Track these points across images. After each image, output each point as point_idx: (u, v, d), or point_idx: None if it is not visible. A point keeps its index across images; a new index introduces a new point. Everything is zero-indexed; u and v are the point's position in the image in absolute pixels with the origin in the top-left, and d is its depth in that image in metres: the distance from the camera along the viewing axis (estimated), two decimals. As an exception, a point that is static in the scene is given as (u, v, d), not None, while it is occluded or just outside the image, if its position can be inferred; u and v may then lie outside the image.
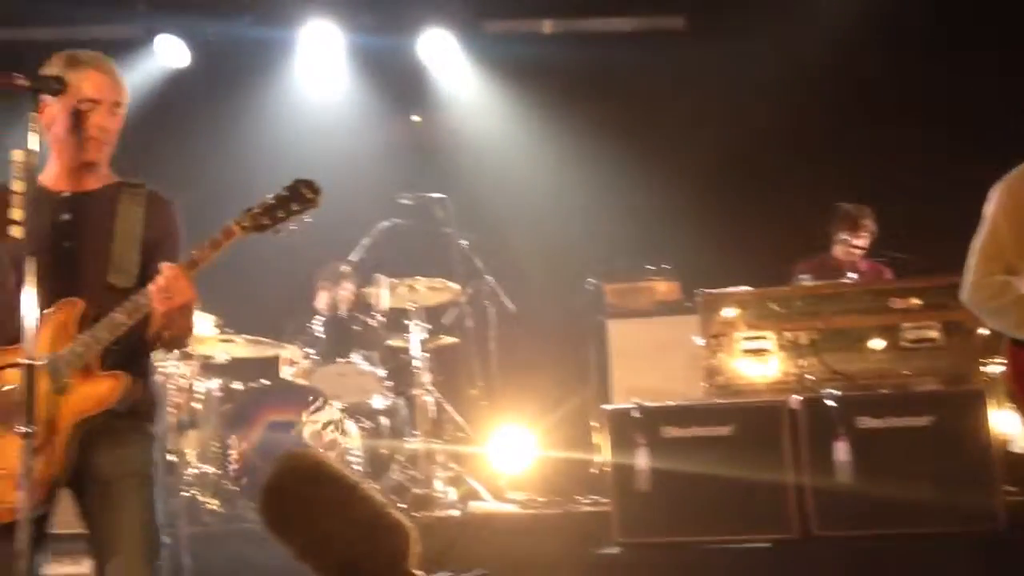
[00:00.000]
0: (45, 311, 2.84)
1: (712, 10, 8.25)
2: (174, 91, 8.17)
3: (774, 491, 4.91)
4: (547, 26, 8.72)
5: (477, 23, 8.46)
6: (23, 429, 2.61)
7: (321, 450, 5.91)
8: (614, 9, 8.52)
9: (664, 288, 6.75)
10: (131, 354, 2.98)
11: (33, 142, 2.77)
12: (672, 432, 5.11)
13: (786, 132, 7.70)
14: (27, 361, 2.65)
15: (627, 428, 5.12)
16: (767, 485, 4.91)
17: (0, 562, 2.73)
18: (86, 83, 3.02)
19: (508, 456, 6.79)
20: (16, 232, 2.80)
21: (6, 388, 2.85)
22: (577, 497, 6.21)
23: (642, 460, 5.03)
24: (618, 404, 5.51)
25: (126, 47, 8.02)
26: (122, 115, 3.14)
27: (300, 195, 2.92)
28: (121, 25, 8.11)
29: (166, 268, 2.85)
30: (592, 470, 6.44)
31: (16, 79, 2.80)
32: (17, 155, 2.82)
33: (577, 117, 8.01)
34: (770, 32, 7.64)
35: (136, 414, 3.00)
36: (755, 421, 5.06)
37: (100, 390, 2.89)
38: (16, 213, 2.80)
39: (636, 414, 5.13)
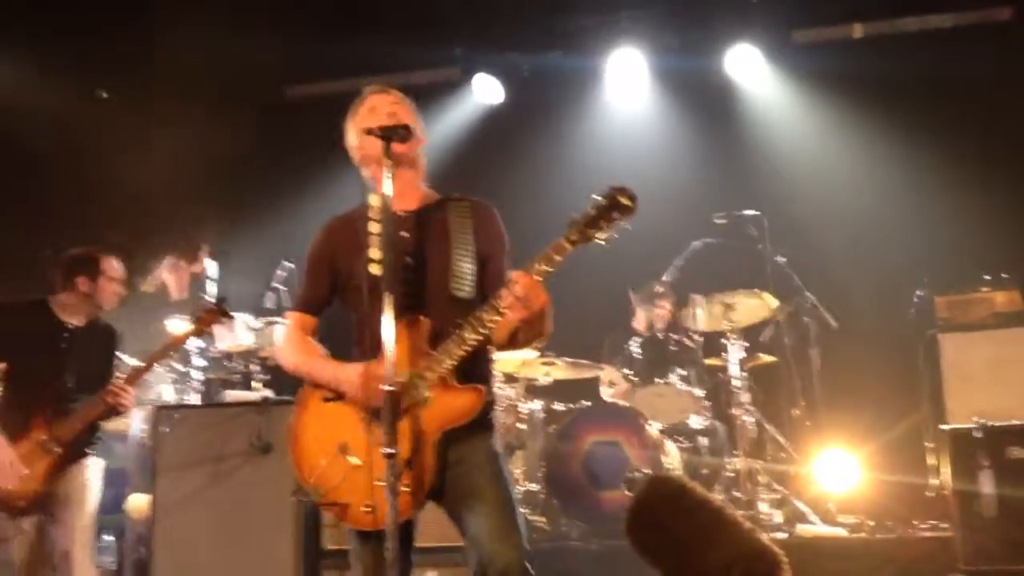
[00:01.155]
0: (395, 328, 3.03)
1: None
2: (490, 126, 8.59)
3: None
4: (858, 30, 8.42)
5: (786, 34, 8.30)
6: (387, 450, 2.83)
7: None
8: (931, 5, 8.10)
9: (1003, 299, 6.28)
10: (475, 362, 3.12)
11: (388, 187, 3.02)
12: (1020, 453, 4.78)
13: None
14: (390, 387, 2.88)
15: (969, 450, 4.85)
16: None
17: (377, 562, 2.97)
18: (363, 109, 3.33)
19: (835, 478, 6.55)
20: (375, 269, 3.05)
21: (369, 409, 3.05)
22: (913, 522, 5.92)
23: (987, 484, 4.74)
24: (957, 424, 5.21)
25: (444, 89, 8.56)
26: (406, 108, 3.32)
27: (618, 203, 2.92)
28: (439, 69, 8.64)
29: (519, 276, 2.96)
30: (928, 493, 6.12)
31: (372, 130, 3.08)
32: (374, 199, 3.09)
33: (895, 122, 7.67)
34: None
35: (481, 417, 3.13)
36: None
37: (462, 403, 3.06)
38: (374, 253, 3.06)
39: (979, 434, 4.86)
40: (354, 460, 3.07)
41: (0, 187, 7.83)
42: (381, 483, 2.88)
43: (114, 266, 5.05)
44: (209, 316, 4.98)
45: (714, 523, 2.48)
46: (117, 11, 7.83)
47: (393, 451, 2.83)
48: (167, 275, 7.40)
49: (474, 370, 3.12)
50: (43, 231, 7.45)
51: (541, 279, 2.96)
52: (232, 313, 6.63)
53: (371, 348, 3.07)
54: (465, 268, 3.20)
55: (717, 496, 5.64)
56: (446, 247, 3.22)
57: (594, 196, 2.96)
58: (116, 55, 8.21)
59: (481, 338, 3.02)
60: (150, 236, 7.74)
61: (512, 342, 3.17)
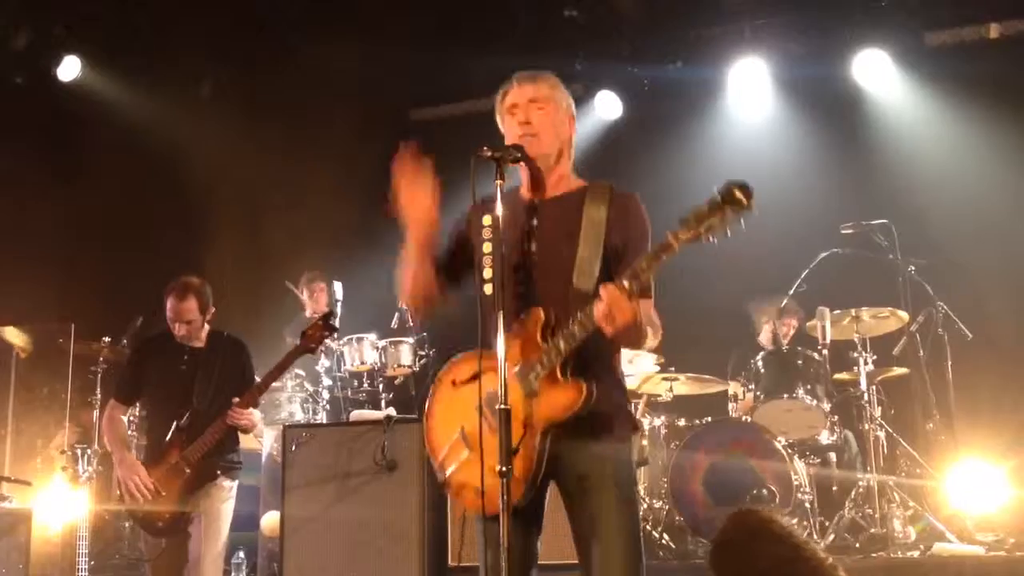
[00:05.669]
0: (516, 321, 3.07)
1: None
2: (610, 139, 8.55)
3: None
4: (994, 30, 8.10)
5: (918, 37, 8.05)
6: (501, 468, 2.84)
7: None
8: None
9: None
10: (591, 358, 3.07)
11: (499, 209, 3.04)
12: None
13: None
14: (503, 407, 2.88)
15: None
16: None
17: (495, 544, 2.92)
18: (506, 99, 3.33)
19: (973, 494, 6.28)
20: (487, 289, 3.08)
21: (488, 391, 3.04)
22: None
23: None
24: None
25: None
26: (548, 109, 3.30)
27: (734, 198, 2.78)
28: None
29: (605, 291, 2.89)
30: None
31: (483, 153, 3.10)
32: (487, 220, 3.12)
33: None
34: None
35: (602, 415, 3.08)
36: None
37: (565, 398, 3.02)
38: (487, 272, 3.09)
39: None
40: (468, 446, 3.14)
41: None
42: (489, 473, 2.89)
43: (168, 306, 5.14)
44: (315, 331, 5.09)
45: (792, 559, 2.40)
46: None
47: (505, 468, 2.84)
48: (303, 293, 7.63)
49: (589, 367, 3.06)
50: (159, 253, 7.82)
51: (633, 287, 2.88)
52: (353, 332, 6.81)
53: (487, 335, 3.06)
54: (591, 261, 3.13)
55: (801, 526, 5.52)
56: (574, 238, 3.16)
57: (713, 189, 2.84)
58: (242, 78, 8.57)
59: (586, 336, 2.97)
60: (277, 256, 8.00)
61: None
